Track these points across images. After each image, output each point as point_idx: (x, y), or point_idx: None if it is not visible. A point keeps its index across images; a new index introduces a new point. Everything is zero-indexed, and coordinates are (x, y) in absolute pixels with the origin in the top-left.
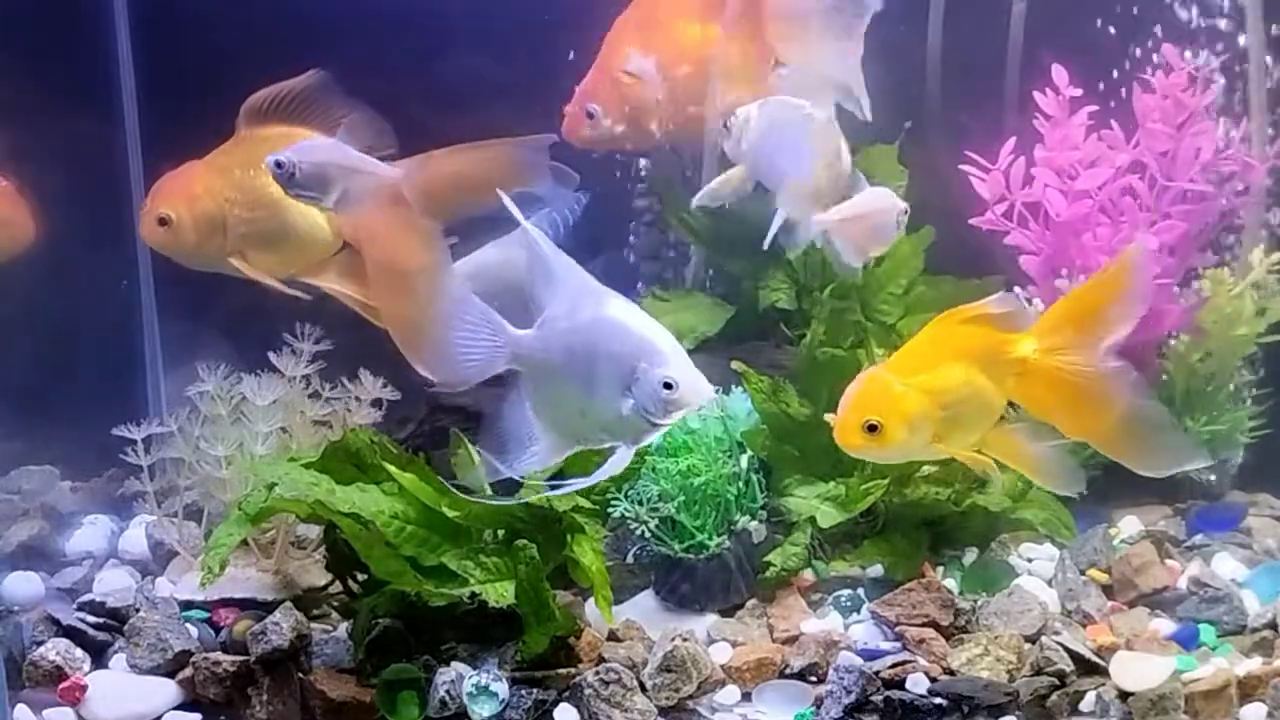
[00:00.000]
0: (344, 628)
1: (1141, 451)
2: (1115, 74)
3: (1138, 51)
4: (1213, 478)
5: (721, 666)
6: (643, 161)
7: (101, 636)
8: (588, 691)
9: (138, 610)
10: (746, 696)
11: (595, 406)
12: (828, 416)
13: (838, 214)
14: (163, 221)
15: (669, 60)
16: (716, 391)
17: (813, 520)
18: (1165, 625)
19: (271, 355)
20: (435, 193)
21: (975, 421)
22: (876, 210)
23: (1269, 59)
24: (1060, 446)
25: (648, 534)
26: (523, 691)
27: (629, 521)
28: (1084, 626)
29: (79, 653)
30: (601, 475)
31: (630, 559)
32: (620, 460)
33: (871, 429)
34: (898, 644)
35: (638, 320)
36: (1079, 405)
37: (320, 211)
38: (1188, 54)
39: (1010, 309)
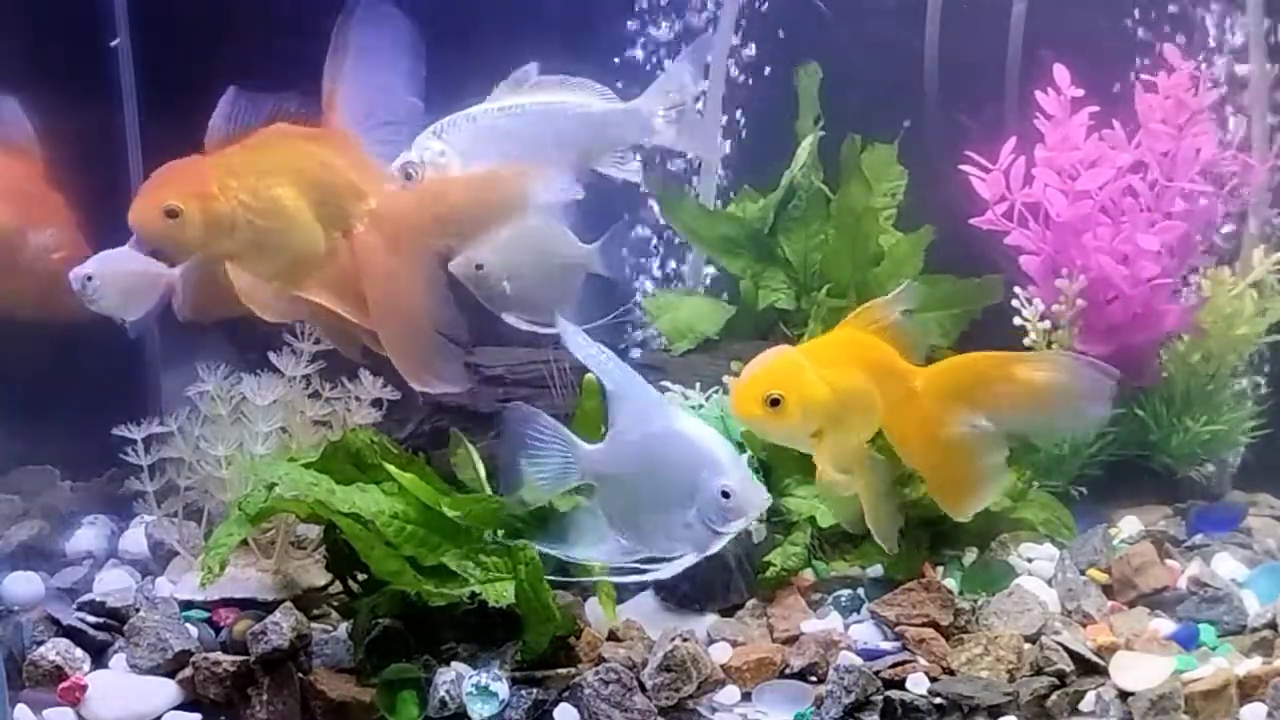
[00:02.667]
0: (344, 628)
1: (967, 501)
2: (1115, 74)
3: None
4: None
5: (721, 666)
6: None
7: (101, 636)
8: (588, 691)
9: (138, 610)
10: (746, 696)
11: (662, 516)
12: (726, 378)
13: None
14: (170, 214)
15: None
16: (716, 392)
17: (813, 520)
18: (1165, 625)
19: (271, 355)
20: (443, 215)
21: (856, 428)
22: None
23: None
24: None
25: None
26: (523, 691)
27: None
28: (1084, 626)
29: (79, 653)
30: (658, 575)
31: None
32: (681, 564)
33: (773, 403)
34: (898, 644)
35: (700, 432)
36: (938, 452)
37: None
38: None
39: (908, 312)
